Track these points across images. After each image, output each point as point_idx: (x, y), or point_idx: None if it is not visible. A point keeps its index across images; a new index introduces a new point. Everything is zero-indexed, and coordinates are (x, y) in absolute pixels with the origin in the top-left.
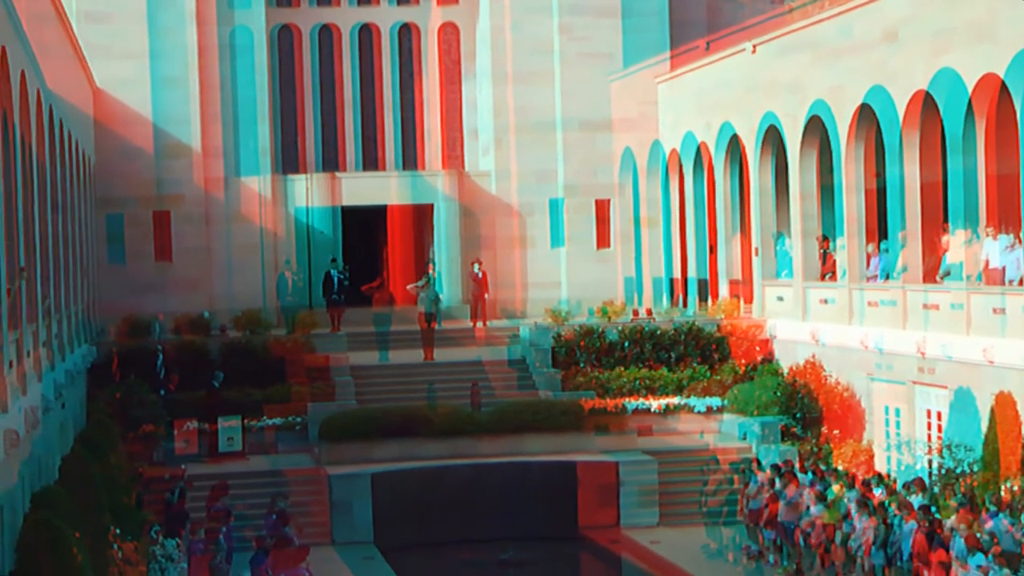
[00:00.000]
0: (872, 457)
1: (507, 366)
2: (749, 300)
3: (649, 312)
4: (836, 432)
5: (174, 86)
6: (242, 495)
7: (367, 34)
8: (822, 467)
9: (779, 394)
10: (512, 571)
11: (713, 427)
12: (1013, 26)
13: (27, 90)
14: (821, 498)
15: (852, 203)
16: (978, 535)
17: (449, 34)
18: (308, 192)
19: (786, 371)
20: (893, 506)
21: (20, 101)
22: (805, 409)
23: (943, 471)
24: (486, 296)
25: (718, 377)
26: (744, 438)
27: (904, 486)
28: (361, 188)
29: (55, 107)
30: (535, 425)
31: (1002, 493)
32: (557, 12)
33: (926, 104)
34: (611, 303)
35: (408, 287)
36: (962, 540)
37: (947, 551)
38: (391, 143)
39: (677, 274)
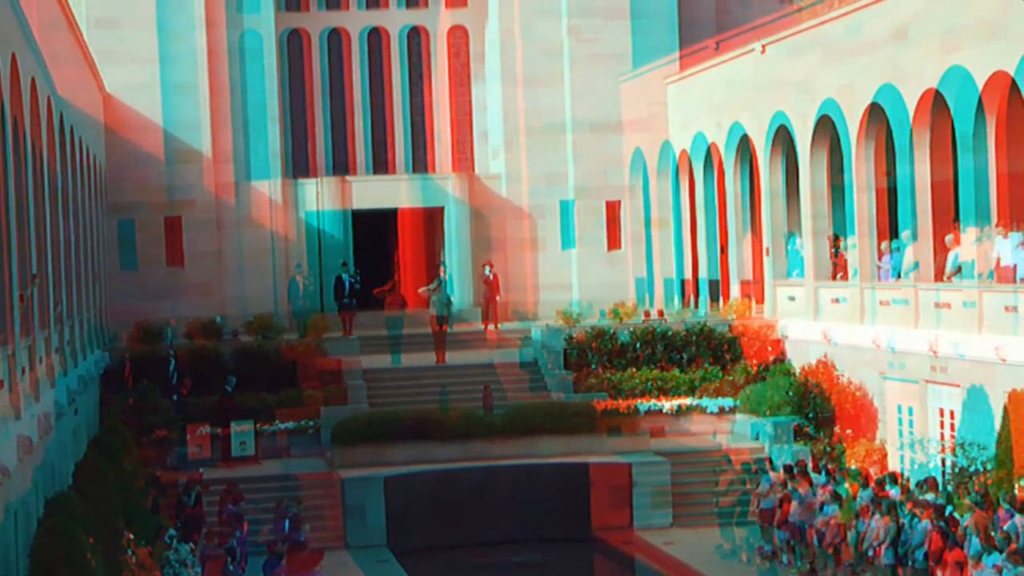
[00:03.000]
0: (885, 456)
1: (519, 368)
2: (760, 300)
3: (660, 313)
4: (849, 431)
5: (184, 91)
6: (256, 499)
7: (376, 37)
8: (834, 467)
9: (791, 394)
10: (526, 573)
11: (726, 427)
12: (1023, 23)
13: (38, 97)
14: (834, 497)
15: (863, 202)
16: (993, 534)
17: (458, 37)
18: (319, 196)
19: (798, 371)
20: (909, 505)
21: (31, 108)
22: (817, 409)
23: (956, 470)
24: (497, 298)
25: (730, 377)
26: (757, 438)
27: (917, 485)
28: (371, 191)
29: (65, 113)
30: (547, 427)
31: (1016, 491)
32: (566, 14)
33: (936, 102)
34: (622, 304)
35: (419, 290)
36: (977, 539)
37: (962, 550)
38: (401, 146)
39: (688, 275)
